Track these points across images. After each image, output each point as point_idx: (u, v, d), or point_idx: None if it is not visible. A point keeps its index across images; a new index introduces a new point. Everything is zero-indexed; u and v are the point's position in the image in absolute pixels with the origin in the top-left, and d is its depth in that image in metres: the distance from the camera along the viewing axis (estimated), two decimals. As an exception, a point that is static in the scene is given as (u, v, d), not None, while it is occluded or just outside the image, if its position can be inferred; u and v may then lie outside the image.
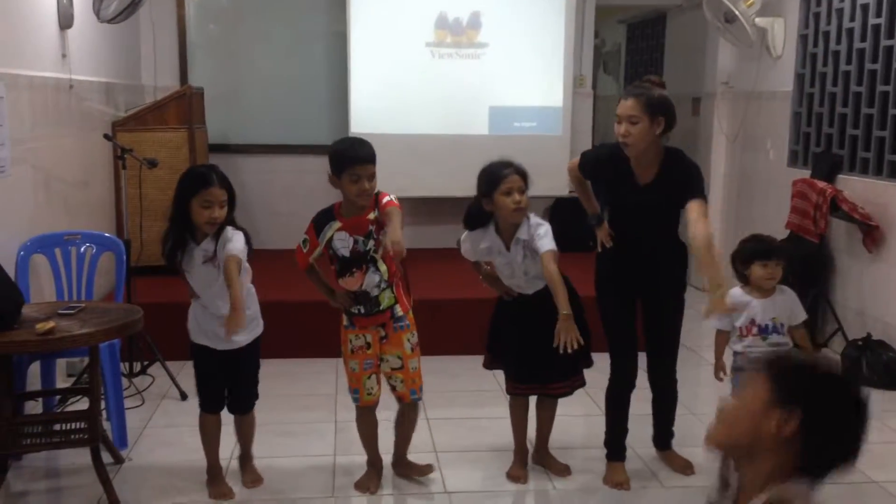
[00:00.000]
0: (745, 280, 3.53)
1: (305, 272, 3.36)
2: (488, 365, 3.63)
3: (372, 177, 3.19)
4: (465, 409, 4.26)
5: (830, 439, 1.61)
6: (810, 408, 1.58)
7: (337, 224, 3.24)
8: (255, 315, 3.38)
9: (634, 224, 3.39)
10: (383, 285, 3.28)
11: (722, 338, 3.56)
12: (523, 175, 3.32)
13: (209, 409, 3.39)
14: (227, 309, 3.12)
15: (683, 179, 3.26)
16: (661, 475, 3.61)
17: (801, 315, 3.53)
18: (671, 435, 3.72)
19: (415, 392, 3.41)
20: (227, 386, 3.39)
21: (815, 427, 1.58)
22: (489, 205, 3.32)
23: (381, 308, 3.30)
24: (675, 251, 3.48)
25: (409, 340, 3.36)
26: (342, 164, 3.19)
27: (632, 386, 3.52)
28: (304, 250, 3.29)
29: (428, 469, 3.55)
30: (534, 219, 3.37)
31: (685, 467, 3.64)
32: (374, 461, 3.53)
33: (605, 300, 3.52)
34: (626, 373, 3.50)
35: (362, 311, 3.30)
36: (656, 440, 3.73)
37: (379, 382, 3.40)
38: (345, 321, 3.36)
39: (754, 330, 3.47)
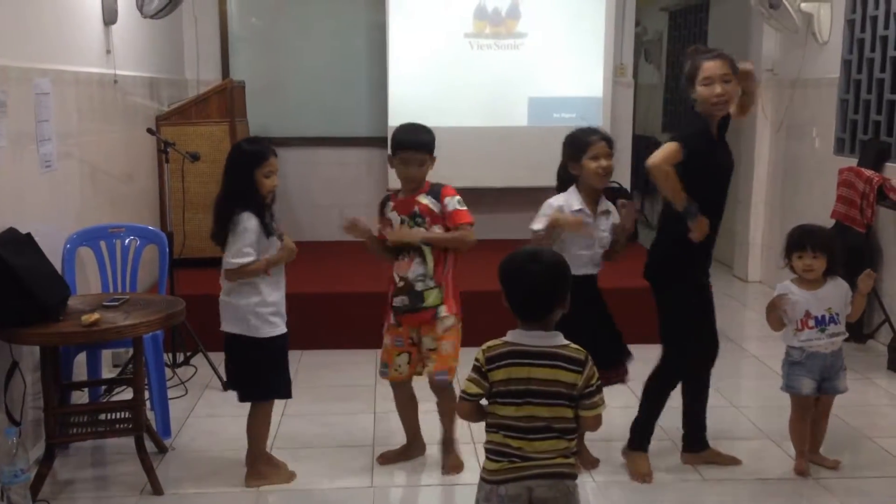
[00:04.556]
0: (791, 271, 3.46)
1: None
2: None
3: None
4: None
5: None
6: None
7: (391, 203, 3.42)
8: None
9: (722, 195, 3.37)
10: (429, 282, 3.35)
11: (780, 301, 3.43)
12: (609, 141, 3.42)
13: (290, 393, 3.48)
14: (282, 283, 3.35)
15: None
16: (700, 468, 3.57)
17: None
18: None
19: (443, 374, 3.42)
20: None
21: None
22: (576, 169, 3.39)
23: (424, 304, 3.36)
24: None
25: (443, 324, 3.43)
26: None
27: None
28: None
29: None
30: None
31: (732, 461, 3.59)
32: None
33: (688, 289, 3.39)
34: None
35: (406, 302, 3.35)
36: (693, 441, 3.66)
37: (410, 363, 3.48)
38: (391, 319, 3.41)
39: (810, 322, 3.39)
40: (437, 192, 3.40)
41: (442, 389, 3.48)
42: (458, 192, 3.39)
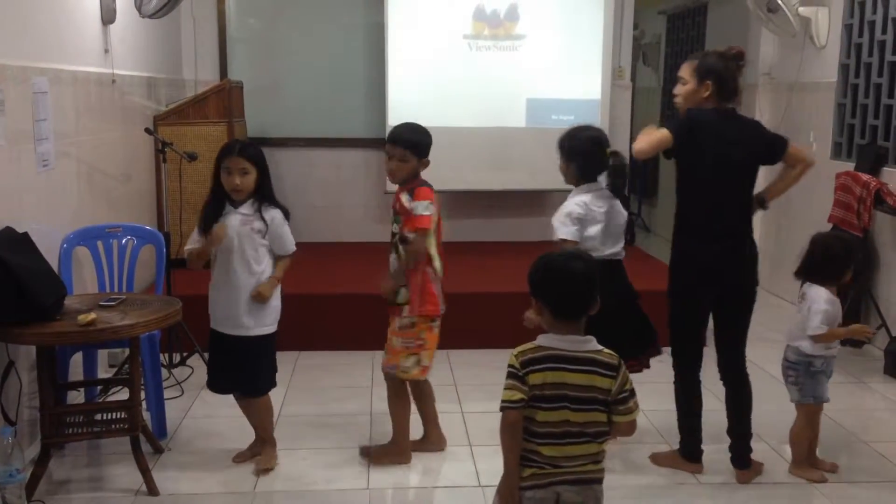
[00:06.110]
0: (832, 282, 3.44)
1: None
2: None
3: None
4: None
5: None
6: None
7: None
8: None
9: None
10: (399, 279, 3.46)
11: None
12: None
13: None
14: (245, 279, 3.37)
15: None
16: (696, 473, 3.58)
17: None
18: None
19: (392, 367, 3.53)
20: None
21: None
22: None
23: (396, 301, 3.46)
24: None
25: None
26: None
27: None
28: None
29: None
30: None
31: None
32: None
33: None
34: None
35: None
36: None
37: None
38: None
39: None
40: (412, 190, 3.41)
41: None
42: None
